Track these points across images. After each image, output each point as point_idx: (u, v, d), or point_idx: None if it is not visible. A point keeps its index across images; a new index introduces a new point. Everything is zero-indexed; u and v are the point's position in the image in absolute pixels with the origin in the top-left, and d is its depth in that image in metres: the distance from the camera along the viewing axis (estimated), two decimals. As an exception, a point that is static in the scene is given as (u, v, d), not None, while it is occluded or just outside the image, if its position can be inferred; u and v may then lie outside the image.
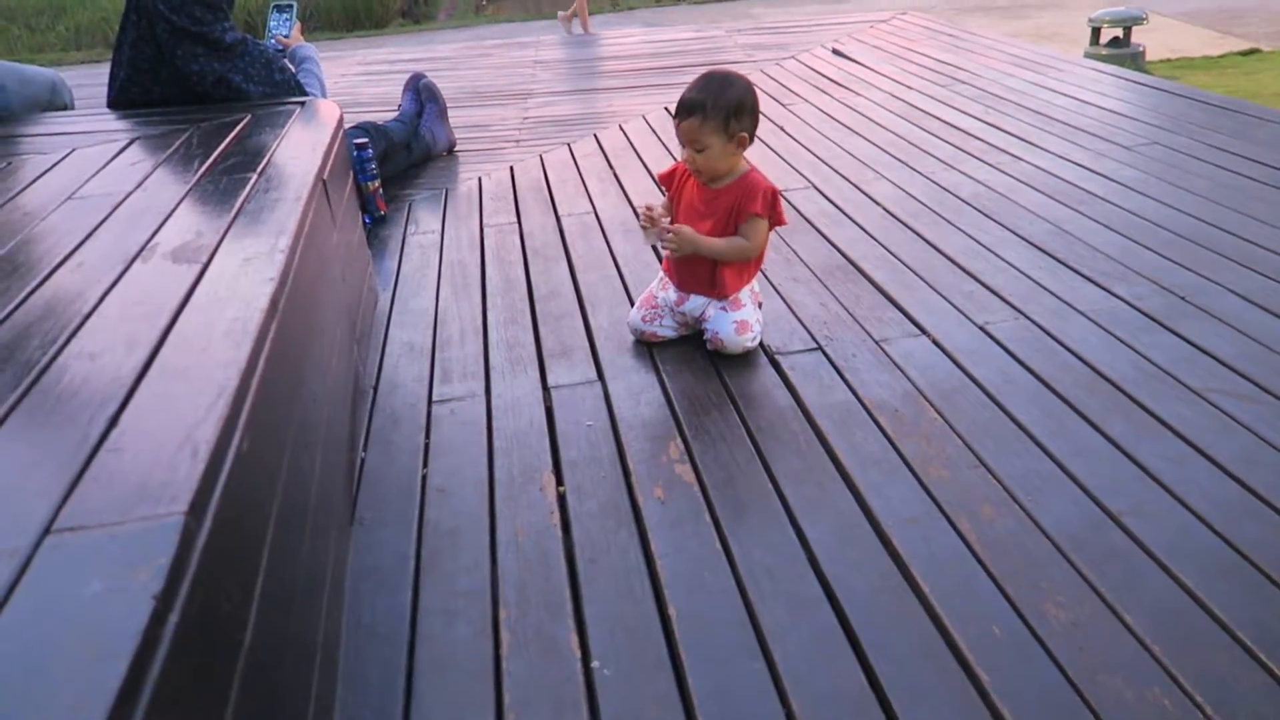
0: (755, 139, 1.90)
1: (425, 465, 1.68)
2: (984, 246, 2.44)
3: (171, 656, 0.70)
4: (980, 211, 2.69)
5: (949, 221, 2.64)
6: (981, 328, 2.02)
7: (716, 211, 1.91)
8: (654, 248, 2.51)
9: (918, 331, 2.03)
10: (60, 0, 14.42)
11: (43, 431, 0.98)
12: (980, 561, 1.34)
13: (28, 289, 1.35)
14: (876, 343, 1.99)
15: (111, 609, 0.71)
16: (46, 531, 0.80)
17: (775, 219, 1.91)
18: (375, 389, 1.95)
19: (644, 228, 2.00)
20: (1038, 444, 1.61)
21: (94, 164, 2.01)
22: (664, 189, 2.05)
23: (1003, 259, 2.36)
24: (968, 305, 2.13)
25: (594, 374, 1.95)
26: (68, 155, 2.11)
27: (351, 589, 1.39)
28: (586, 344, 2.08)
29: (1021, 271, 2.28)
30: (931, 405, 1.75)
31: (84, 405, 1.01)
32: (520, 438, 1.74)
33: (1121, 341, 1.93)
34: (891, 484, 1.53)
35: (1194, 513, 1.42)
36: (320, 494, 1.34)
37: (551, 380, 1.94)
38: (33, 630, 0.70)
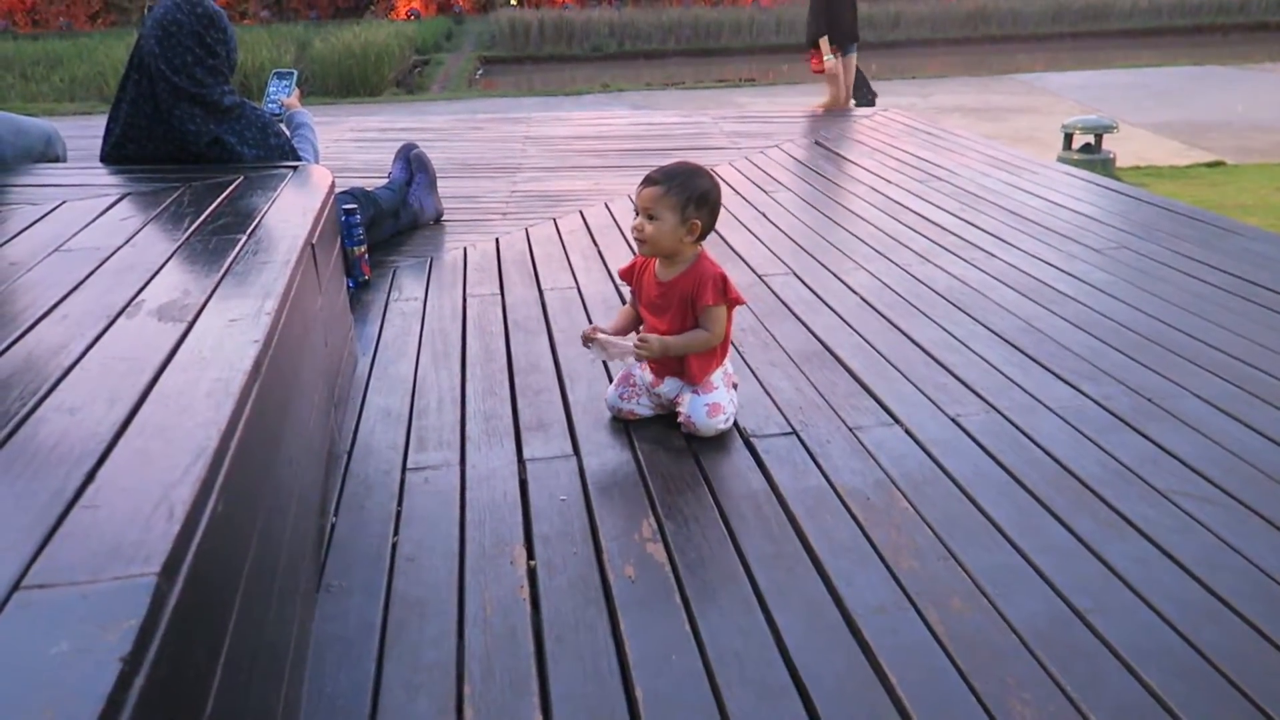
0: (718, 239, 1.94)
1: (396, 533, 1.67)
2: (957, 339, 2.49)
3: (134, 721, 0.70)
4: (954, 305, 2.75)
5: (923, 313, 2.69)
6: (953, 419, 2.05)
7: (672, 302, 1.95)
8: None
9: (891, 421, 2.06)
10: (57, 52, 14.60)
11: (17, 485, 0.97)
12: (948, 654, 1.35)
13: (9, 339, 1.35)
14: (850, 430, 2.01)
15: (77, 670, 0.70)
16: (15, 588, 0.79)
17: (731, 301, 1.94)
18: (350, 454, 1.95)
19: (587, 347, 1.99)
20: (1006, 538, 1.63)
21: (84, 217, 2.03)
22: (626, 283, 2.08)
23: (975, 352, 2.41)
24: (940, 397, 2.17)
25: (570, 448, 1.96)
26: (58, 207, 2.12)
27: (314, 658, 1.37)
28: (564, 418, 2.09)
29: (993, 366, 2.33)
30: (903, 494, 1.77)
31: (61, 460, 1.00)
32: (493, 509, 1.74)
33: (1089, 440, 1.97)
34: (862, 572, 1.54)
35: (1158, 613, 1.44)
36: (289, 559, 1.32)
37: (527, 453, 1.94)
38: (-4, 688, 0.69)
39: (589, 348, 1.98)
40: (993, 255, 3.21)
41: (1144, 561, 1.56)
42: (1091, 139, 6.85)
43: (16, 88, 12.27)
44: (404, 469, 1.89)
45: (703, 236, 1.93)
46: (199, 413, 1.11)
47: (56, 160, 2.90)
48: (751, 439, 1.97)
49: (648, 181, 1.90)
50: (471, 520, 1.70)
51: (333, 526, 1.69)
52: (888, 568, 1.55)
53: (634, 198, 1.94)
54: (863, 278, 3.01)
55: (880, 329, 2.59)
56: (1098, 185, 4.23)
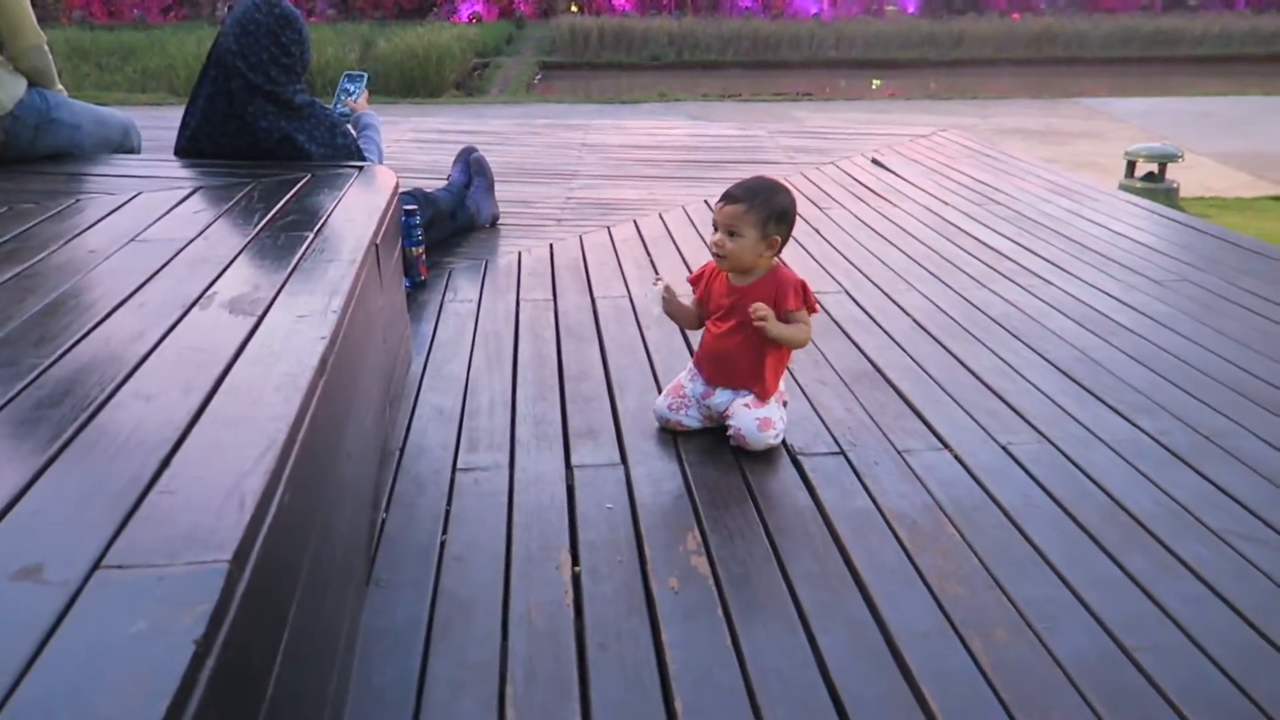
0: (786, 246, 1.96)
1: (445, 532, 1.70)
2: (1011, 367, 2.47)
3: (204, 703, 0.72)
4: (1009, 331, 2.72)
5: (977, 339, 2.67)
6: (1004, 448, 2.04)
7: (742, 310, 1.96)
8: (684, 336, 2.55)
9: (940, 445, 2.05)
10: (131, 43, 15.00)
11: (98, 466, 1.01)
12: (991, 684, 1.34)
13: (89, 325, 1.40)
14: (899, 453, 2.01)
15: (155, 649, 0.74)
16: (96, 567, 0.83)
17: (809, 309, 1.97)
18: (402, 451, 1.99)
19: (658, 288, 2.06)
20: (1055, 571, 1.61)
21: (159, 208, 2.09)
22: (694, 289, 2.10)
23: (1029, 381, 2.39)
24: (991, 424, 2.15)
25: (618, 457, 1.98)
26: (134, 198, 2.19)
27: (363, 650, 1.40)
28: (612, 426, 2.11)
29: (1047, 395, 2.30)
30: (950, 521, 1.76)
31: (138, 445, 1.05)
32: (540, 514, 1.76)
33: (1144, 475, 1.94)
34: (906, 596, 1.53)
35: (1210, 657, 1.41)
36: (343, 551, 1.36)
37: (575, 459, 1.96)
38: (78, 663, 0.72)
39: (655, 287, 2.06)
40: (1050, 283, 3.17)
41: (1197, 603, 1.54)
42: (1155, 167, 6.73)
43: (92, 77, 12.62)
44: (454, 469, 1.92)
45: (780, 249, 1.96)
46: (269, 405, 1.14)
47: (132, 151, 2.99)
48: (799, 457, 1.98)
49: (728, 198, 1.92)
50: (519, 523, 1.73)
51: (384, 522, 1.73)
52: (932, 593, 1.54)
53: (713, 212, 1.96)
54: (916, 299, 3.00)
55: (932, 352, 2.57)
56: (1160, 215, 4.16)
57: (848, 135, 6.14)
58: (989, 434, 2.10)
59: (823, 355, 2.52)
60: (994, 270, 3.31)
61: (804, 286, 1.97)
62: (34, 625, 0.75)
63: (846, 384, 2.35)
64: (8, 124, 2.62)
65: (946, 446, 2.04)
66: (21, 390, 1.19)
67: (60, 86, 2.83)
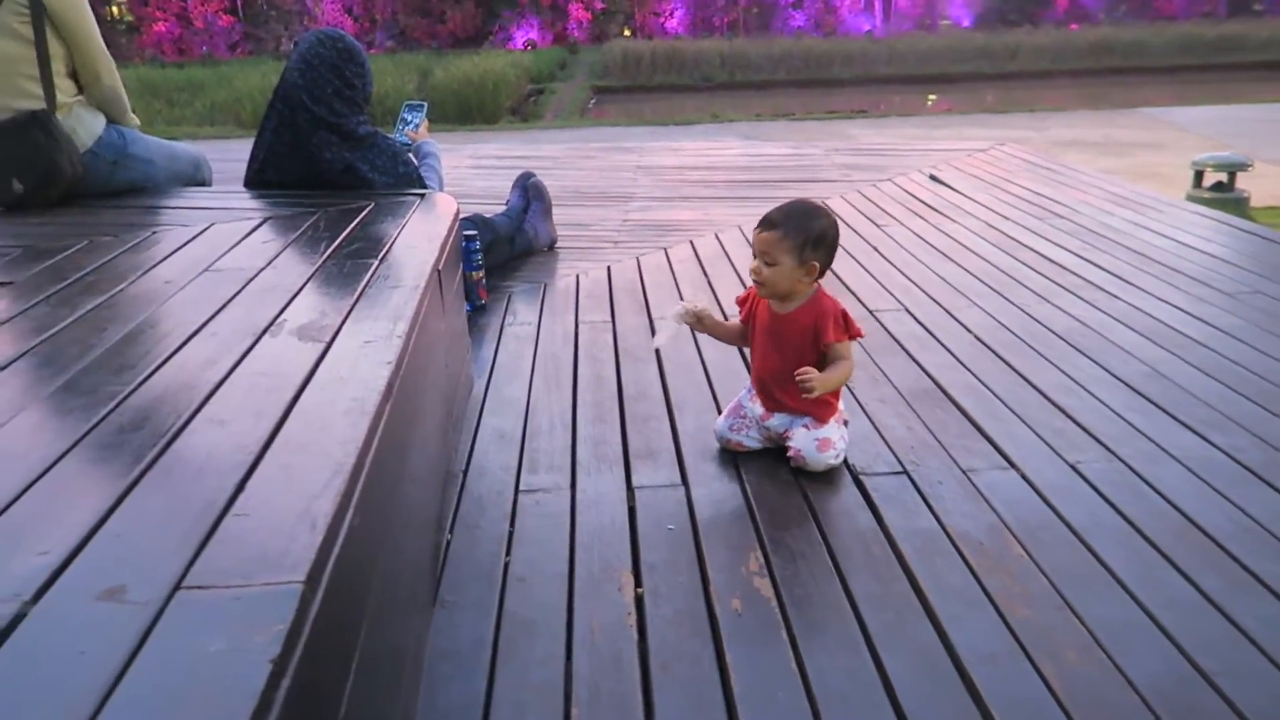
0: (828, 271, 1.95)
1: (508, 553, 1.72)
2: (1076, 383, 2.42)
3: (282, 720, 0.74)
4: (1074, 347, 2.67)
5: (1041, 354, 2.63)
6: (1072, 466, 2.00)
7: (789, 336, 1.95)
8: (742, 356, 2.55)
9: (1005, 464, 2.02)
10: (199, 79, 15.53)
11: (177, 490, 1.05)
12: (1064, 709, 1.31)
13: (167, 353, 1.45)
14: (963, 472, 1.98)
15: (233, 668, 0.76)
16: (176, 587, 0.86)
17: (851, 336, 1.95)
18: (464, 473, 2.01)
19: (683, 314, 2.00)
20: (1127, 591, 1.57)
21: (230, 239, 2.16)
22: (739, 310, 2.09)
23: (1095, 397, 2.34)
24: (1058, 442, 2.11)
25: (678, 478, 1.98)
26: (207, 229, 2.27)
27: (429, 670, 1.41)
28: (672, 447, 2.11)
29: (1115, 411, 2.25)
30: (1017, 540, 1.73)
31: (214, 469, 1.08)
32: (602, 535, 1.77)
33: (1217, 492, 1.88)
34: (973, 618, 1.51)
35: (1293, 681, 1.37)
36: (410, 572, 1.38)
37: (636, 480, 1.97)
38: (162, 680, 0.75)
39: (679, 312, 1.99)
40: (1115, 296, 3.11)
41: (1276, 624, 1.49)
42: (1224, 177, 6.56)
43: (163, 113, 13.10)
44: (516, 490, 1.94)
45: (820, 275, 1.94)
46: (337, 430, 1.17)
47: (203, 183, 3.09)
48: (860, 476, 1.96)
49: (764, 224, 1.92)
50: (581, 544, 1.74)
51: (448, 543, 1.75)
52: (1000, 615, 1.51)
53: (751, 239, 1.95)
54: (977, 315, 2.96)
55: (995, 369, 2.53)
56: (1229, 225, 4.05)
57: (903, 151, 6.10)
58: (1055, 452, 2.06)
59: (883, 373, 2.50)
60: (1056, 284, 3.25)
61: (844, 315, 1.94)
62: (120, 643, 0.78)
63: (908, 402, 2.32)
64: (87, 160, 2.73)
65: (1012, 465, 2.01)
66: (104, 417, 1.24)
67: (134, 118, 2.94)
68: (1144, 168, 8.33)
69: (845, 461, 2.01)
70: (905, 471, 1.98)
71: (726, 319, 2.07)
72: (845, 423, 2.06)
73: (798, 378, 1.87)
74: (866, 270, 3.45)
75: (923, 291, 3.21)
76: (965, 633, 1.47)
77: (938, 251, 3.71)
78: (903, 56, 17.41)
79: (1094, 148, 9.46)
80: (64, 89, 2.72)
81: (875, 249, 3.74)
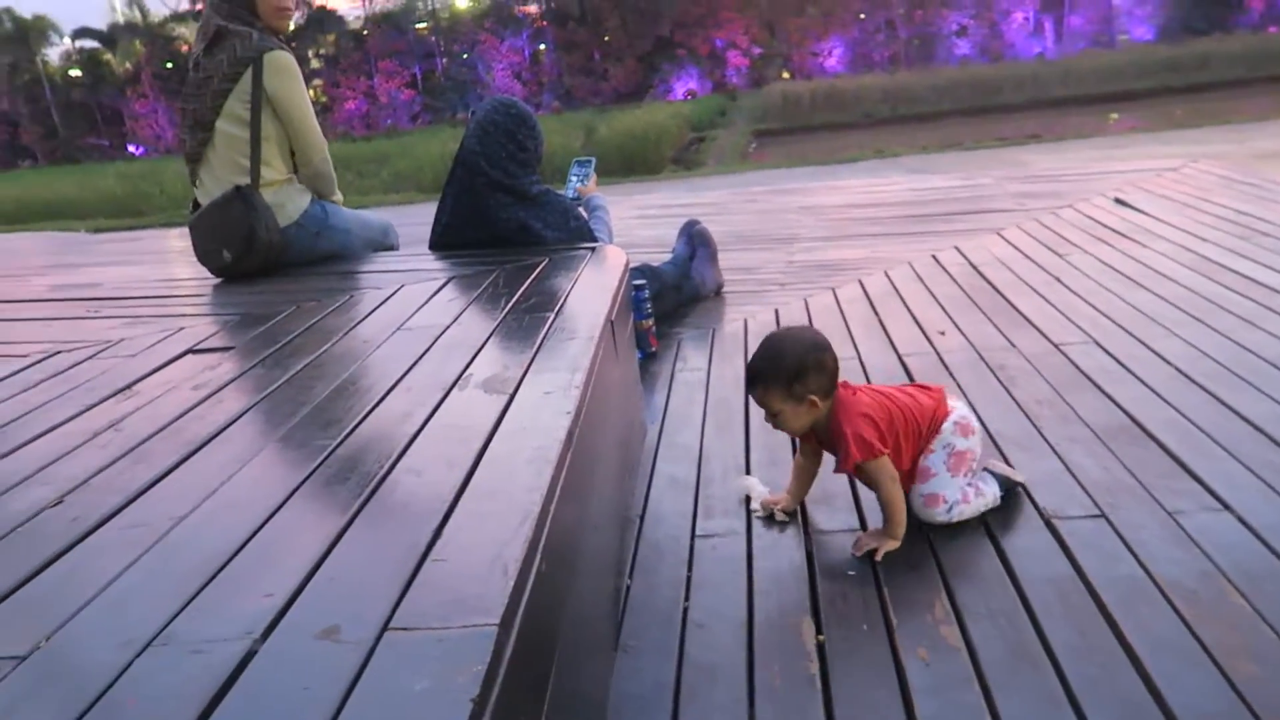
0: (835, 384, 1.83)
1: (686, 598, 1.73)
2: (1296, 415, 2.22)
3: (481, 759, 0.78)
4: (1291, 376, 2.45)
5: (1252, 385, 2.42)
6: (1295, 506, 1.83)
7: (838, 442, 1.84)
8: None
9: (1218, 505, 1.86)
10: (383, 150, 16.69)
11: (380, 536, 1.12)
12: (1300, 776, 1.19)
13: (367, 408, 1.56)
14: (1168, 514, 1.84)
15: (436, 707, 0.80)
16: (385, 628, 0.92)
17: (880, 449, 1.80)
18: (641, 519, 2.04)
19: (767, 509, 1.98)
20: (1371, 647, 1.42)
21: (419, 299, 2.30)
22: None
23: (1320, 430, 2.13)
24: (1276, 479, 1.93)
25: (855, 522, 1.94)
26: (398, 291, 2.43)
27: (614, 713, 1.44)
28: (848, 491, 2.07)
29: (1344, 446, 2.05)
30: (1236, 589, 1.59)
31: (413, 516, 1.15)
32: (780, 580, 1.76)
33: None
34: (1190, 674, 1.39)
35: None
36: (594, 617, 1.42)
37: (812, 525, 1.94)
38: (375, 717, 0.80)
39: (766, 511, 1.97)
40: (1337, 319, 2.83)
41: None
42: None
43: (354, 184, 14.15)
44: (693, 535, 1.95)
45: (830, 392, 1.83)
46: (523, 478, 1.22)
47: (392, 248, 3.31)
48: (1053, 520, 1.86)
49: (747, 384, 1.89)
50: (759, 589, 1.73)
51: (628, 588, 1.78)
52: (1221, 671, 1.39)
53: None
54: (1175, 345, 2.76)
55: (1199, 402, 2.36)
56: None
57: (1083, 176, 5.81)
58: (1274, 490, 1.89)
59: (1072, 410, 2.37)
60: (1266, 308, 2.99)
61: (861, 440, 1.79)
62: (337, 681, 0.84)
63: (1101, 440, 2.19)
64: (292, 231, 2.99)
65: (1225, 506, 1.86)
66: (315, 470, 1.34)
67: (339, 195, 3.20)
68: (1364, 176, 7.59)
69: (1035, 505, 1.91)
70: (1103, 514, 1.87)
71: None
72: (970, 470, 1.89)
73: (854, 555, 1.79)
74: (1049, 301, 3.29)
75: (1112, 322, 3.03)
76: (1180, 690, 1.36)
77: (1127, 279, 3.50)
78: (1079, 76, 16.64)
79: (1303, 158, 8.70)
80: (276, 168, 2.99)
81: (1057, 279, 3.56)
